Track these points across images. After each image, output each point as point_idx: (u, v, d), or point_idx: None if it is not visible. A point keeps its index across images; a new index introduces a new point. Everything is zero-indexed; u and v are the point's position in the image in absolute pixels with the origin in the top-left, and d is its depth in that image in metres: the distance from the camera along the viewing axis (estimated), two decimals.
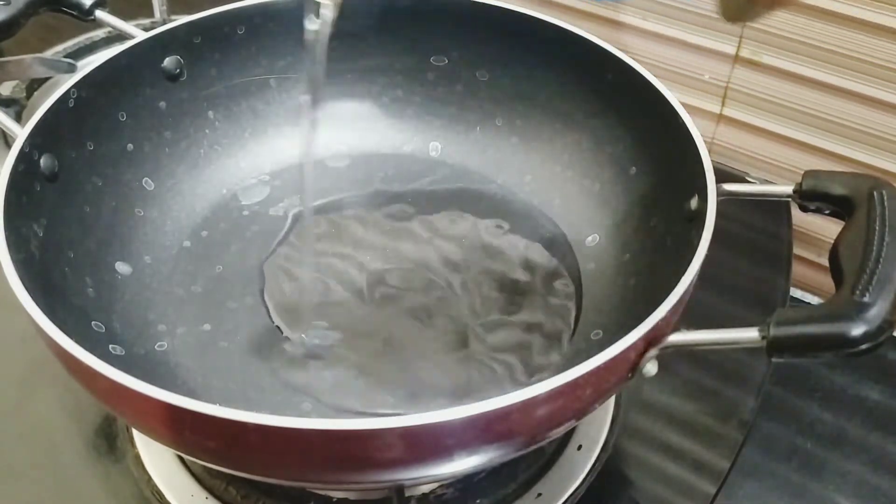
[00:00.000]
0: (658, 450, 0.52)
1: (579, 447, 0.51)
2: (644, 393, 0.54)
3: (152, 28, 0.55)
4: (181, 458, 0.50)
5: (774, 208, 0.66)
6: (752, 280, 0.62)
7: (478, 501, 0.48)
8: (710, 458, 0.51)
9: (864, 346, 0.35)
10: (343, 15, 0.59)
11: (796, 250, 0.64)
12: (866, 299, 0.35)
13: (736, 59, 0.67)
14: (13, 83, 0.72)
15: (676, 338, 0.38)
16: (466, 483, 0.48)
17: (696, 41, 0.69)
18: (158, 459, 0.50)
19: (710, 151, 0.43)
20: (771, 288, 0.60)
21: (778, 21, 0.64)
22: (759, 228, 0.65)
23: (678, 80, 0.71)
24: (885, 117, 0.63)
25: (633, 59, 0.51)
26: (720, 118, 0.71)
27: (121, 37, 0.57)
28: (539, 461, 0.50)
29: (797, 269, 0.63)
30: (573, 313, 0.51)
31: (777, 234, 0.64)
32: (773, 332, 0.36)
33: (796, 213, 0.65)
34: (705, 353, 0.56)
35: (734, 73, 0.68)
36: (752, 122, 0.70)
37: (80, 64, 0.71)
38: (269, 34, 0.58)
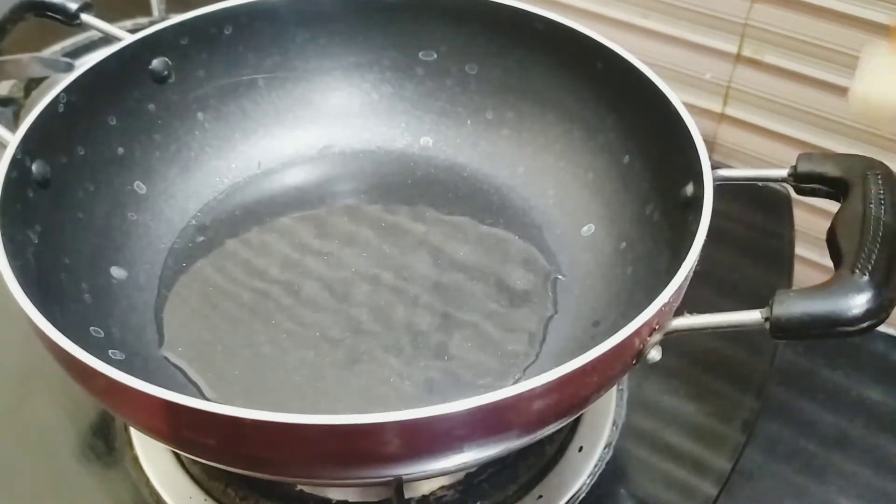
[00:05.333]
0: (659, 451, 0.52)
1: (580, 449, 0.51)
2: (645, 394, 0.54)
3: (151, 26, 0.54)
4: (179, 460, 0.50)
5: (776, 208, 0.66)
6: (753, 281, 0.62)
7: (478, 503, 0.48)
8: (712, 459, 0.51)
9: (865, 325, 0.36)
10: (330, 12, 0.59)
11: (798, 251, 0.64)
12: (866, 278, 0.36)
13: (738, 58, 0.67)
14: (11, 82, 0.72)
15: (679, 322, 0.38)
16: (467, 485, 0.48)
17: (697, 40, 0.69)
18: (157, 461, 0.50)
19: (711, 151, 0.44)
20: (772, 289, 0.60)
21: (780, 20, 0.64)
22: (760, 228, 0.66)
23: (680, 80, 0.71)
24: None
25: (636, 60, 0.51)
26: (722, 117, 0.71)
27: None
28: (540, 463, 0.50)
29: (799, 270, 0.63)
30: (551, 310, 0.51)
31: (779, 235, 0.65)
32: (775, 312, 0.36)
33: (798, 213, 0.65)
34: (707, 354, 0.57)
35: (736, 73, 0.68)
36: (755, 121, 0.70)
37: (77, 63, 0.70)
38: (256, 33, 0.58)
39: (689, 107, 0.47)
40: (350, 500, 0.48)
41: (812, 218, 0.68)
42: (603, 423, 0.52)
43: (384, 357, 0.49)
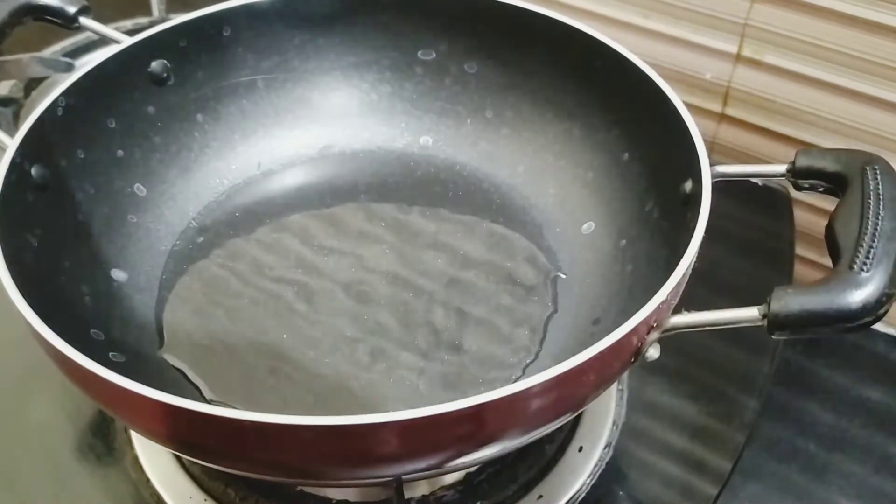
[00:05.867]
0: (659, 451, 0.52)
1: (580, 449, 0.51)
2: (645, 394, 0.54)
3: (151, 27, 0.54)
4: (179, 460, 0.50)
5: (776, 208, 0.66)
6: (754, 281, 0.61)
7: (478, 503, 0.48)
8: (712, 459, 0.51)
9: (863, 321, 0.36)
10: (329, 12, 0.59)
11: (798, 250, 0.64)
12: (864, 273, 0.36)
13: (738, 58, 0.67)
14: (11, 82, 0.72)
15: (678, 320, 0.38)
16: (467, 485, 0.48)
17: (697, 40, 0.68)
18: (157, 461, 0.50)
19: (711, 151, 0.43)
20: (773, 289, 0.61)
21: (780, 20, 0.64)
22: (760, 228, 0.66)
23: (680, 80, 0.70)
24: (887, 116, 0.63)
25: (635, 58, 0.51)
26: (722, 118, 0.71)
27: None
28: (540, 463, 0.50)
29: (799, 269, 0.63)
30: (551, 308, 0.51)
31: (779, 234, 0.65)
32: (773, 309, 0.36)
33: (797, 213, 0.65)
34: (707, 354, 0.56)
35: (736, 73, 0.68)
36: (755, 121, 0.69)
37: (78, 63, 0.70)
38: (255, 34, 0.58)
39: (689, 107, 0.46)
40: (350, 500, 0.48)
41: (812, 217, 0.68)
42: (603, 423, 0.52)
43: (386, 355, 0.49)
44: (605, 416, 0.52)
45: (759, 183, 0.67)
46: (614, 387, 0.54)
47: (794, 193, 0.49)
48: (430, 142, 0.61)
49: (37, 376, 0.53)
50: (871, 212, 0.38)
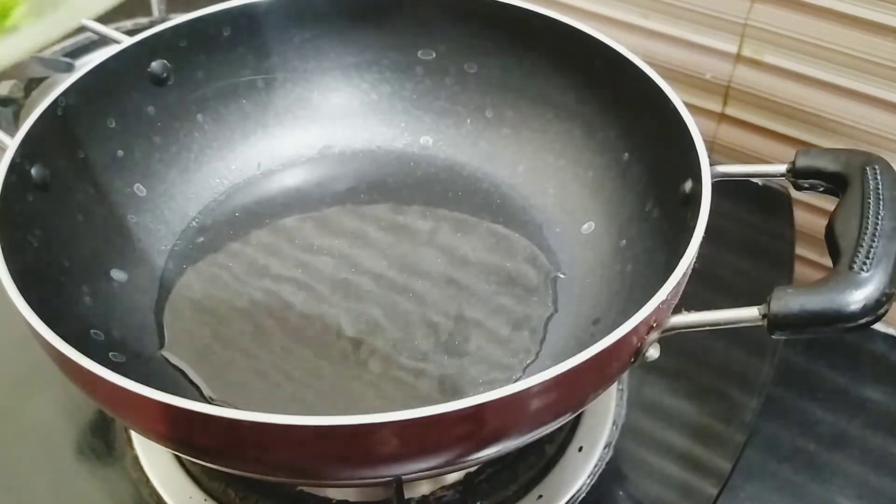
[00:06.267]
0: (659, 451, 0.52)
1: (580, 449, 0.51)
2: (645, 394, 0.54)
3: (151, 27, 0.54)
4: (179, 460, 0.50)
5: (776, 208, 0.66)
6: (754, 281, 0.62)
7: (478, 503, 0.48)
8: (712, 459, 0.51)
9: (863, 320, 0.36)
10: (329, 12, 0.59)
11: (798, 250, 0.64)
12: (864, 273, 0.36)
13: (738, 58, 0.67)
14: (11, 82, 0.72)
15: (678, 320, 0.38)
16: (467, 485, 0.48)
17: (697, 40, 0.68)
18: (157, 461, 0.50)
19: (711, 151, 0.43)
20: (773, 289, 0.61)
21: (780, 20, 0.64)
22: (760, 228, 0.66)
23: (680, 80, 0.70)
24: (887, 116, 0.63)
25: (635, 58, 0.51)
26: (722, 117, 0.71)
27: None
28: (540, 463, 0.50)
29: (799, 270, 0.63)
30: (552, 308, 0.51)
31: (779, 234, 0.65)
32: (773, 309, 0.36)
33: (798, 213, 0.65)
34: (707, 354, 0.56)
35: (736, 73, 0.68)
36: (755, 121, 0.69)
37: (78, 63, 0.70)
38: (255, 34, 0.58)
39: (689, 107, 0.46)
40: (350, 500, 0.48)
41: (812, 217, 0.68)
42: (603, 423, 0.52)
43: (386, 356, 0.49)
44: (605, 416, 0.52)
45: (759, 183, 0.67)
46: (614, 387, 0.54)
47: (794, 193, 0.49)
48: (430, 142, 0.61)
49: (37, 376, 0.53)
50: (871, 212, 0.38)
